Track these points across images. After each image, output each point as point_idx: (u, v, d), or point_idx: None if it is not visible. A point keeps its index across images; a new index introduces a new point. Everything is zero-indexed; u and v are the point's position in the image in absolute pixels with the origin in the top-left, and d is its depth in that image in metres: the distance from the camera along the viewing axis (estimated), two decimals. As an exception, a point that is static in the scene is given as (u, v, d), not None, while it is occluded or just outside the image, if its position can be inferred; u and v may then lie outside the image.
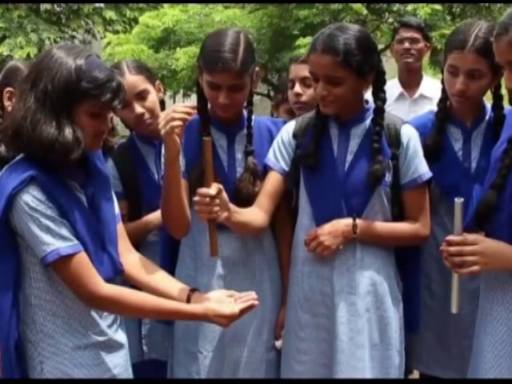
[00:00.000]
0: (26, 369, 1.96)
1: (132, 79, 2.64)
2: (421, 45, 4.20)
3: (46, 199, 1.88)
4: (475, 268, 2.02)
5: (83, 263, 1.92)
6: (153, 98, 2.69)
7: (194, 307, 2.04)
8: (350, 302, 2.32)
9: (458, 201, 2.03)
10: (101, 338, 2.01)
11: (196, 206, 2.12)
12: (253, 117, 2.55)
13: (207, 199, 2.09)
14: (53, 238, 1.88)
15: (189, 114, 2.19)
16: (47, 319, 1.96)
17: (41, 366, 1.97)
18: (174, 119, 2.17)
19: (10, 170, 1.94)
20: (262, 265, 2.50)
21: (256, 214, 2.36)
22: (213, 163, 2.15)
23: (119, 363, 2.07)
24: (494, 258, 2.02)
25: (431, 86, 4.26)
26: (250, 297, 2.07)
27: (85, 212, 1.98)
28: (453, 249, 2.03)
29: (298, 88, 2.83)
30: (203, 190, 2.10)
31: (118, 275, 2.09)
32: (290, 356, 2.44)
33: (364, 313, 2.32)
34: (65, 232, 1.90)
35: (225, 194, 2.15)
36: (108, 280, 1.98)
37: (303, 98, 2.82)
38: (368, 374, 2.32)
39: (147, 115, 2.64)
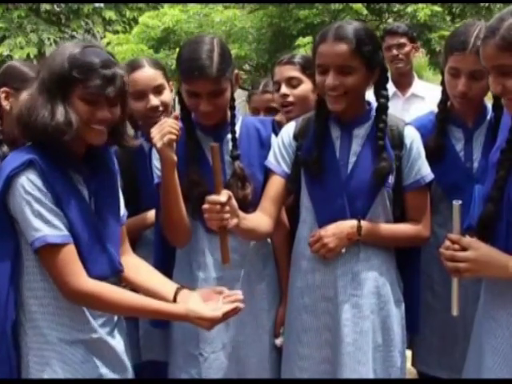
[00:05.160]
0: (19, 356, 1.95)
1: (151, 72, 2.70)
2: (407, 48, 4.45)
3: (42, 185, 1.88)
4: (467, 274, 1.99)
5: (69, 256, 1.90)
6: (168, 94, 2.74)
7: (175, 307, 2.01)
8: (354, 304, 2.32)
9: (456, 203, 1.99)
10: (90, 336, 1.99)
11: (206, 214, 2.09)
12: (240, 117, 2.54)
13: (217, 206, 2.07)
14: (42, 224, 1.87)
15: (178, 130, 2.25)
16: (37, 308, 1.95)
17: (27, 358, 1.95)
18: (170, 132, 2.21)
19: (13, 154, 1.97)
20: (257, 265, 2.49)
21: (261, 220, 2.35)
22: (221, 169, 2.14)
23: (107, 363, 2.03)
24: (486, 267, 1.96)
25: (422, 87, 4.62)
26: (235, 297, 2.02)
27: (84, 206, 1.97)
28: (448, 253, 1.98)
29: (284, 89, 2.80)
30: (213, 198, 2.07)
31: (116, 275, 2.07)
32: (291, 361, 2.43)
33: (368, 314, 2.32)
34: (55, 221, 1.89)
35: (234, 201, 2.13)
36: (103, 278, 1.97)
37: (290, 99, 2.80)
38: (370, 376, 2.31)
39: (161, 109, 2.68)
